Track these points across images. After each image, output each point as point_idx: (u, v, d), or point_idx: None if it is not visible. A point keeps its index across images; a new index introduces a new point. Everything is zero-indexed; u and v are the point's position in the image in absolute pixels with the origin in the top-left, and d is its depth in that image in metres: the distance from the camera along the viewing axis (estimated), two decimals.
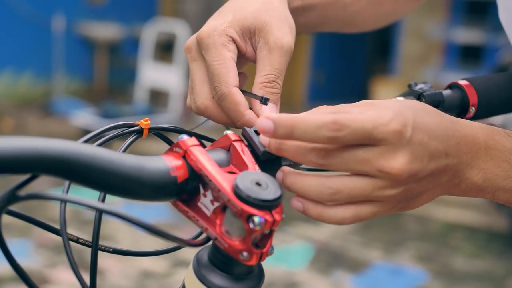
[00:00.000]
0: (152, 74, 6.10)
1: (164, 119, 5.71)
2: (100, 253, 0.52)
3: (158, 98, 6.41)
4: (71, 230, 0.50)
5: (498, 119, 0.80)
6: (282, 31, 0.62)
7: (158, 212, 3.71)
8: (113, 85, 6.96)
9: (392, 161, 0.48)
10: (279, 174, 0.51)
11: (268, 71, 0.60)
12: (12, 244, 3.08)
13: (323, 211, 0.50)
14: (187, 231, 3.46)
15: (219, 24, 0.61)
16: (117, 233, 3.43)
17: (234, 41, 0.61)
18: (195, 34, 0.62)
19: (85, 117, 5.49)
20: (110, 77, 6.95)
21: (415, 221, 4.07)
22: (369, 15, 0.91)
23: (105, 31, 6.65)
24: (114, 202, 3.52)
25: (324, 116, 0.48)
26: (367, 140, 0.48)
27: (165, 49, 6.41)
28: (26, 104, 6.27)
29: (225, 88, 0.58)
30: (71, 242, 0.50)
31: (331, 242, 3.61)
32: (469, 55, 7.03)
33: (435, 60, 6.97)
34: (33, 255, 3.12)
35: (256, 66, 0.61)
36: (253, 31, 0.62)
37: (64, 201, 0.46)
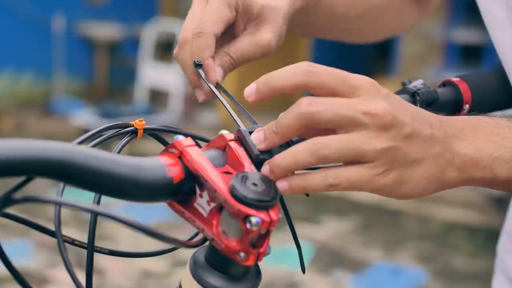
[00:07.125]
0: (152, 74, 6.10)
1: (164, 119, 5.71)
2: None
3: (158, 98, 6.41)
4: (70, 230, 0.50)
5: None
6: (273, 32, 0.66)
7: (159, 212, 3.71)
8: (113, 85, 6.95)
9: (374, 103, 0.48)
10: (264, 167, 0.49)
11: (238, 55, 0.65)
12: (12, 244, 3.07)
13: (309, 176, 0.48)
14: (187, 231, 3.45)
15: None
16: (117, 233, 3.43)
17: (236, 9, 0.65)
18: None
19: (85, 117, 5.49)
20: (110, 77, 6.94)
21: (415, 221, 4.06)
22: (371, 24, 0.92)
23: (105, 31, 6.65)
24: (115, 203, 3.52)
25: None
26: (341, 85, 0.49)
27: (165, 49, 6.40)
28: (26, 104, 6.27)
29: (208, 29, 0.62)
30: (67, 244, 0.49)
31: (331, 242, 3.61)
32: (469, 55, 7.01)
33: (435, 60, 6.96)
34: (33, 255, 3.12)
35: (234, 39, 0.66)
36: (252, 16, 0.66)
37: (59, 204, 0.46)
